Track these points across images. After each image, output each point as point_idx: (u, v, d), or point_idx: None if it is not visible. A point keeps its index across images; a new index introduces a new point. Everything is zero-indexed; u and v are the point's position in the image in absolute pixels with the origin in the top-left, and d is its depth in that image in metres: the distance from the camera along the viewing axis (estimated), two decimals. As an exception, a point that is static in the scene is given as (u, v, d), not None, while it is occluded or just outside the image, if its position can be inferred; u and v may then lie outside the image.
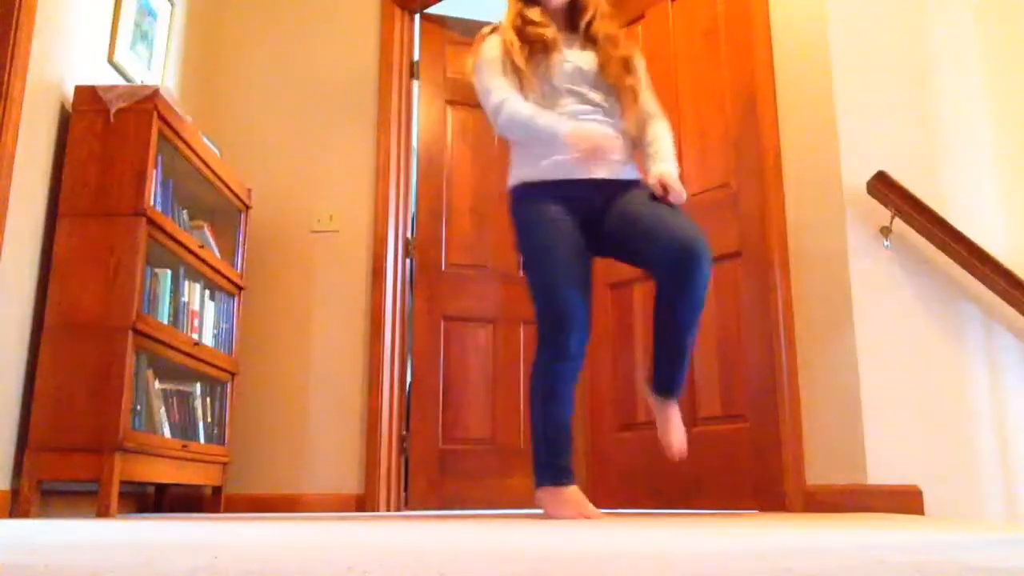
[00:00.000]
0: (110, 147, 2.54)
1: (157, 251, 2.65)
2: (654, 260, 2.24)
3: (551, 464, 2.28)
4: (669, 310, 2.23)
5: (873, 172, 2.60)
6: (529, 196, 2.37)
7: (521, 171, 2.41)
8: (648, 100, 2.46)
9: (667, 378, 2.31)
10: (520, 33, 2.40)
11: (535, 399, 2.32)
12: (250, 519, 2.35)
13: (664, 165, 2.34)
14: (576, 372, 2.33)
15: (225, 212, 3.28)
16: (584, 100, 2.36)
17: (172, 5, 3.36)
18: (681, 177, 2.36)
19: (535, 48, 2.38)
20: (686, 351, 2.27)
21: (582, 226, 2.33)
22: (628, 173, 2.38)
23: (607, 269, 3.30)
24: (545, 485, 2.28)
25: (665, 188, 2.27)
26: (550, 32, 2.39)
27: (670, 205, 2.27)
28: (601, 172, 2.31)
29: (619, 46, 2.43)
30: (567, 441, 2.32)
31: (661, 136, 2.42)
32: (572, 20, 2.47)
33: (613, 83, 2.39)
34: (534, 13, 2.42)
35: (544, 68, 2.37)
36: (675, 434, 2.35)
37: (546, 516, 2.26)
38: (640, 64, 2.49)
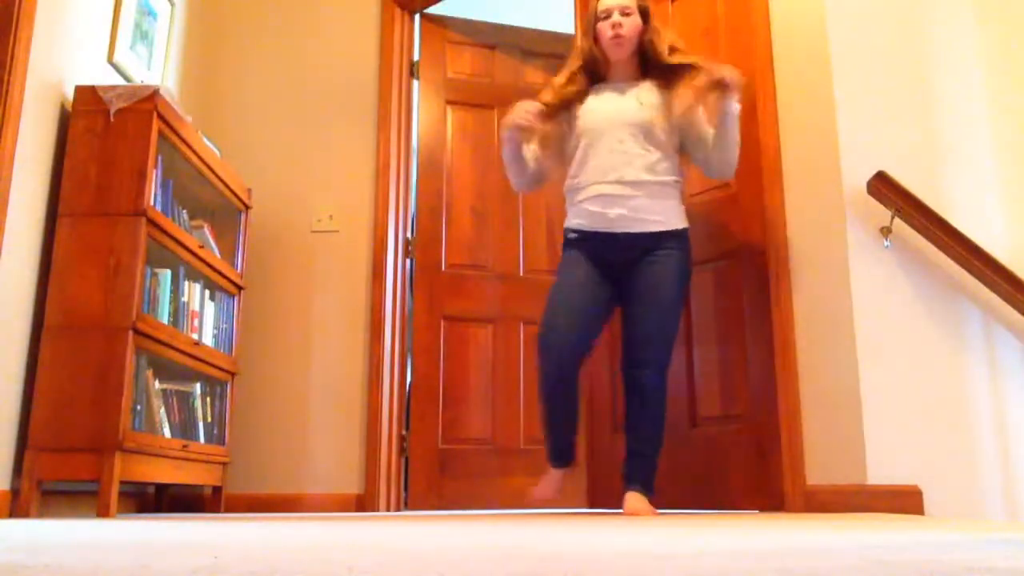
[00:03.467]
0: (110, 147, 2.54)
1: (157, 251, 2.65)
2: (623, 353, 2.58)
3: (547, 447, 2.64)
4: (625, 405, 2.59)
5: (873, 172, 2.59)
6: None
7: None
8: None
9: (631, 468, 2.53)
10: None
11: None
12: (250, 519, 2.35)
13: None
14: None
15: (225, 212, 3.28)
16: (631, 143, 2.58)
17: (172, 5, 3.36)
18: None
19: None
20: (647, 448, 2.53)
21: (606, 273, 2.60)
22: (658, 224, 2.55)
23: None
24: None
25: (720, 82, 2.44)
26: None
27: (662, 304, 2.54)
28: (620, 226, 2.53)
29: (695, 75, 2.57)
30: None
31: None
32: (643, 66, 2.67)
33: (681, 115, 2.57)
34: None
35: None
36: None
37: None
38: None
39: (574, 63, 2.69)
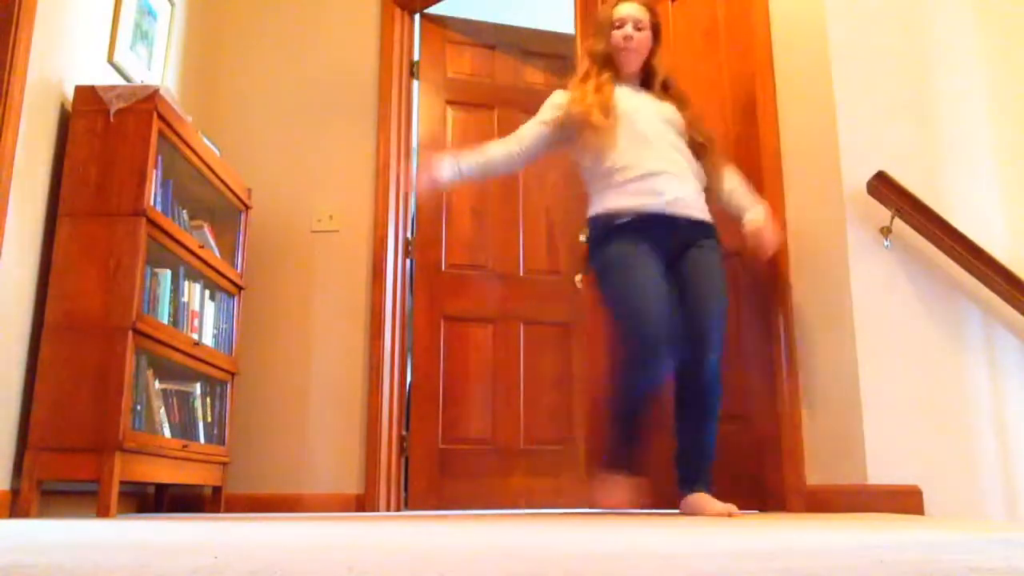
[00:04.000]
0: (110, 147, 2.54)
1: (157, 251, 2.65)
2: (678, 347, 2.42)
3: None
4: (679, 403, 2.50)
5: (873, 172, 2.59)
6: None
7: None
8: (719, 154, 2.68)
9: (685, 466, 2.47)
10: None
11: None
12: (250, 519, 2.35)
13: (756, 209, 2.58)
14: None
15: (225, 212, 3.28)
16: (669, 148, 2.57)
17: (172, 5, 3.36)
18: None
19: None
20: (704, 443, 2.46)
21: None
22: (705, 215, 2.58)
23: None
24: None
25: (758, 239, 2.53)
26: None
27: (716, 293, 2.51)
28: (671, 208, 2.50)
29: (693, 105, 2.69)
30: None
31: (739, 183, 2.66)
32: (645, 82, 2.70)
33: (692, 137, 2.60)
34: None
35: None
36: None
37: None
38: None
39: (588, 65, 2.67)
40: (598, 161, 2.55)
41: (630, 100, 2.60)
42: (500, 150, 2.62)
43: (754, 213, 2.57)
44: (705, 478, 2.43)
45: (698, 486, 2.41)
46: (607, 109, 2.52)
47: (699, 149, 2.61)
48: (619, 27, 2.64)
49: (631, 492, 2.45)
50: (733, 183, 2.66)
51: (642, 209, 2.47)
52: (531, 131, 2.62)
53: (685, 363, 2.41)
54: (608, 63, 2.65)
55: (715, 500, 2.36)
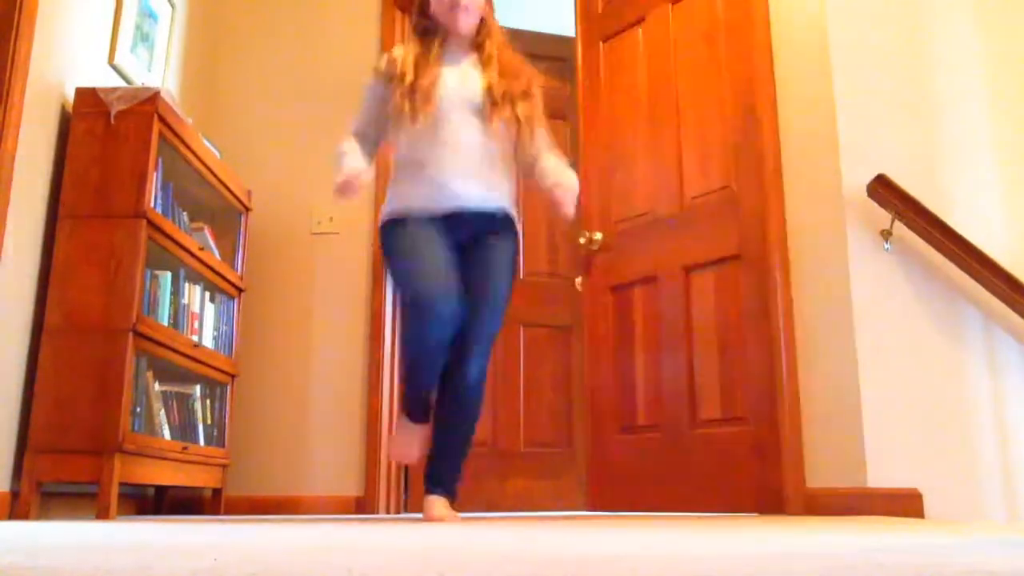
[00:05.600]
0: (110, 149, 2.55)
1: (157, 253, 2.65)
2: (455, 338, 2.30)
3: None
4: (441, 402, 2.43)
5: (873, 175, 2.60)
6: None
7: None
8: (542, 135, 2.45)
9: (434, 470, 2.41)
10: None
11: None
12: (250, 521, 2.35)
13: (567, 174, 2.35)
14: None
15: (225, 214, 3.28)
16: (466, 125, 2.36)
17: (173, 7, 3.37)
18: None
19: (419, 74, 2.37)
20: (452, 449, 2.42)
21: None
22: (493, 202, 2.39)
23: (608, 271, 3.30)
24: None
25: (558, 195, 2.29)
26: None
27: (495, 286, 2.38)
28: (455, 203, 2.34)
29: (519, 76, 2.44)
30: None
31: (556, 163, 2.41)
32: (476, 46, 2.46)
33: (507, 113, 2.38)
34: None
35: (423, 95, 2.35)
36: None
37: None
38: (538, 96, 2.48)
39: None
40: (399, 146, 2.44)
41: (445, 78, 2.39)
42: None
43: (562, 176, 2.34)
44: (448, 484, 2.38)
45: (438, 489, 2.37)
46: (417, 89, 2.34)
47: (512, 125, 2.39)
48: None
49: (423, 443, 2.44)
50: (552, 163, 2.40)
51: (427, 209, 2.34)
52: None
53: (448, 364, 2.34)
54: (428, 32, 2.45)
55: (448, 507, 2.35)
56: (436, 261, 2.28)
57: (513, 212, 2.47)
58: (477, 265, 2.38)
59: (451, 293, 2.24)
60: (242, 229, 3.34)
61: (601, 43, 3.49)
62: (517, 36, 2.55)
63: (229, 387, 3.19)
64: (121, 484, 2.38)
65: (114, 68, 2.94)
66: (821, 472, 2.58)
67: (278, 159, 3.64)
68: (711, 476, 2.84)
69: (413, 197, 2.38)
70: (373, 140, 2.50)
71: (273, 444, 3.36)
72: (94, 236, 2.49)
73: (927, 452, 2.49)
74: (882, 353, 2.55)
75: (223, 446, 3.13)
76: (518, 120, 2.39)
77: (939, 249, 2.58)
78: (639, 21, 3.39)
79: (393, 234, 2.40)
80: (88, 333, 2.42)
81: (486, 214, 2.39)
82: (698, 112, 3.12)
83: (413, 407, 2.43)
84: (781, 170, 2.83)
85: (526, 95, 2.44)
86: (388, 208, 2.45)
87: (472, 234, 2.39)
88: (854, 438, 2.50)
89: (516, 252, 2.48)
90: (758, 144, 2.87)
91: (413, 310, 2.27)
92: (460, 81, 2.40)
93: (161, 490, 3.19)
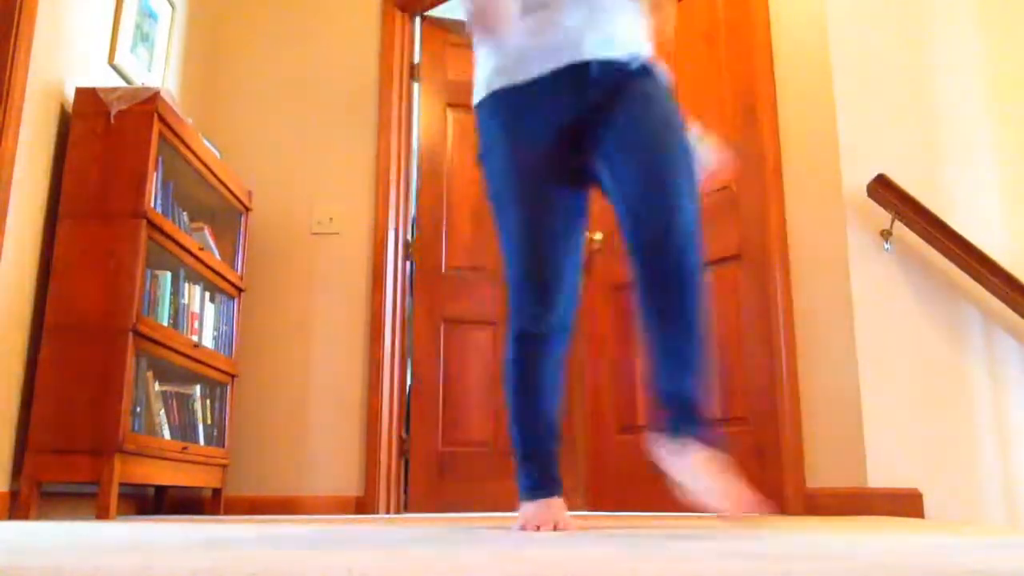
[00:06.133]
0: (110, 149, 2.55)
1: (157, 253, 2.65)
2: (626, 230, 1.67)
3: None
4: (648, 300, 1.70)
5: (873, 175, 2.60)
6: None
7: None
8: None
9: (672, 394, 1.64)
10: None
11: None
12: (250, 521, 2.35)
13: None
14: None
15: (225, 214, 3.28)
16: None
17: (173, 7, 3.37)
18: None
19: None
20: (692, 352, 1.64)
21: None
22: (630, 51, 1.71)
23: (607, 269, 3.30)
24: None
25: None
26: None
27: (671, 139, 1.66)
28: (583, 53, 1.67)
29: None
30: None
31: None
32: None
33: None
34: None
35: None
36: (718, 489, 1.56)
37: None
38: None
39: None
40: None
41: None
42: None
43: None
44: (692, 417, 1.59)
45: (686, 429, 1.58)
46: None
47: None
48: None
49: (557, 511, 1.71)
50: None
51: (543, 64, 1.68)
52: None
53: (641, 244, 1.64)
54: None
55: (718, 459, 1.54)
56: (549, 237, 1.69)
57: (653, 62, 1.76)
58: (625, 131, 1.66)
59: (563, 308, 1.70)
60: (242, 229, 3.34)
61: (601, 43, 3.49)
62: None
63: (229, 387, 3.19)
64: (121, 484, 2.38)
65: (114, 68, 2.94)
66: (821, 472, 2.58)
67: (278, 159, 3.64)
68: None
69: (521, 51, 1.69)
70: None
71: (273, 444, 3.37)
72: (94, 236, 2.49)
73: (927, 452, 2.49)
74: (882, 353, 2.55)
75: (223, 446, 3.13)
76: None
77: (939, 249, 2.58)
78: (639, 21, 3.38)
79: (490, 131, 1.76)
80: (88, 333, 2.42)
81: (616, 65, 1.70)
82: (698, 111, 3.11)
83: (527, 469, 1.74)
84: (781, 170, 2.84)
85: None
86: (485, 70, 1.77)
87: (599, 101, 1.69)
88: (854, 437, 2.50)
89: (675, 105, 1.72)
90: (758, 144, 2.87)
91: (512, 331, 1.72)
92: None
93: (161, 490, 3.19)
